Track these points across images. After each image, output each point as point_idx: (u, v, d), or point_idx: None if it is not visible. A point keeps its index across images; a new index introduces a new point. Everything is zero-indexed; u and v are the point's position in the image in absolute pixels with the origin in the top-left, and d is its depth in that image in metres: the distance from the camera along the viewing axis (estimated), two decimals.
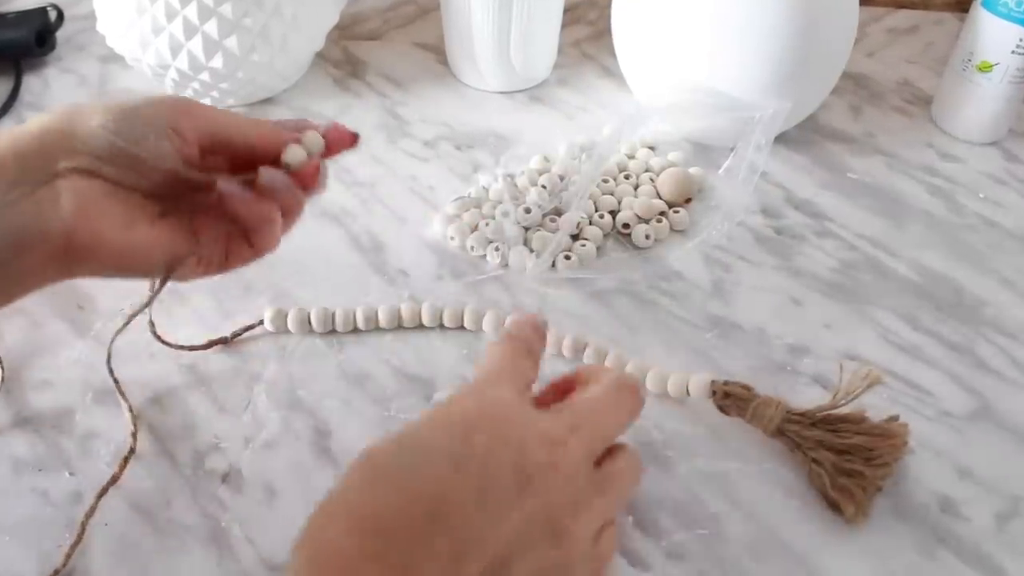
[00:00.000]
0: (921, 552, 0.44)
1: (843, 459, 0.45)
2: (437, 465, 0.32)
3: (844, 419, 0.46)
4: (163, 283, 0.43)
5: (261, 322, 0.53)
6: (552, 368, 0.52)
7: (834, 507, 0.45)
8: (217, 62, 0.66)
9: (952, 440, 0.49)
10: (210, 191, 0.42)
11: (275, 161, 0.43)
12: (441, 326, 0.54)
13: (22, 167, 0.38)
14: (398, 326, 0.54)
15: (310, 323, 0.53)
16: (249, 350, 0.53)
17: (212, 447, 0.48)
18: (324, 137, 0.45)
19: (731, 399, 0.48)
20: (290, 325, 0.53)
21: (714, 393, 0.48)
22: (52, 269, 0.39)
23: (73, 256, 0.39)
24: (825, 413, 0.46)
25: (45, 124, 0.39)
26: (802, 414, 0.47)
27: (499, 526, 0.31)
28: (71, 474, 0.46)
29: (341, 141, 0.46)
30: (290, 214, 0.44)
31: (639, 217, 0.61)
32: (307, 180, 0.44)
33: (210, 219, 0.43)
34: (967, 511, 0.46)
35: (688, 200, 0.63)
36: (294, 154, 0.43)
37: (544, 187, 0.62)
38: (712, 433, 0.49)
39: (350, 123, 0.70)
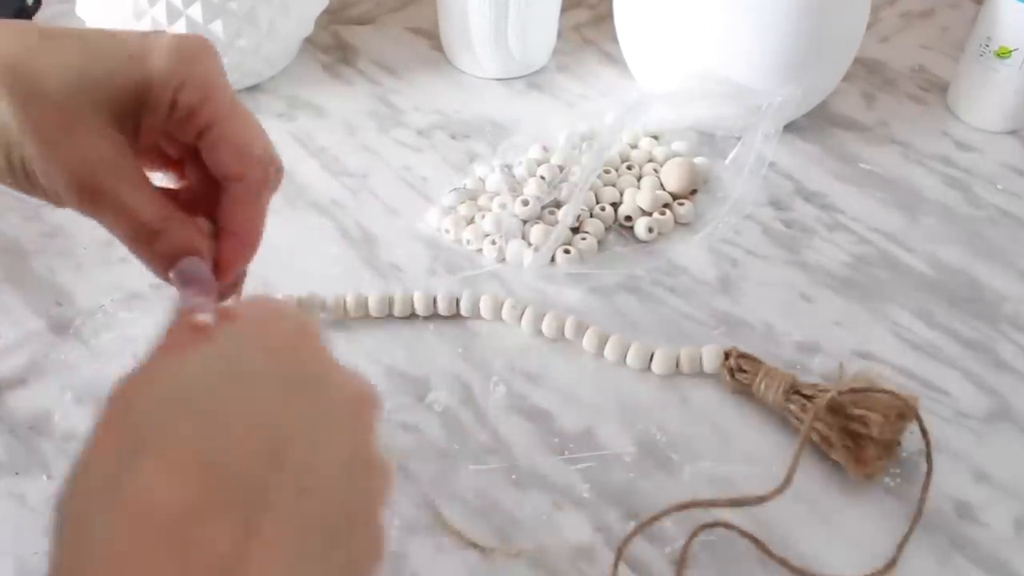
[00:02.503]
0: (937, 559, 0.44)
1: (849, 423, 0.46)
2: (267, 390, 0.28)
3: (852, 390, 0.47)
4: None
5: None
6: (549, 357, 0.52)
7: (846, 461, 0.46)
8: None
9: (969, 442, 0.49)
10: None
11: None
12: (436, 315, 0.54)
13: None
14: (388, 314, 0.54)
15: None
16: None
17: None
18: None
19: (745, 360, 0.50)
20: None
21: (727, 356, 0.50)
22: None
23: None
24: (833, 391, 0.47)
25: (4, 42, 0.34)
26: (812, 384, 0.48)
27: (334, 459, 0.28)
28: (49, 477, 0.46)
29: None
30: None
31: (642, 210, 0.61)
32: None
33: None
34: (985, 516, 0.46)
35: (693, 192, 0.63)
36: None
37: (543, 178, 0.62)
38: (717, 435, 0.49)
39: (341, 111, 0.71)
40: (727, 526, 0.44)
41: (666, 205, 0.62)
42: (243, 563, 0.24)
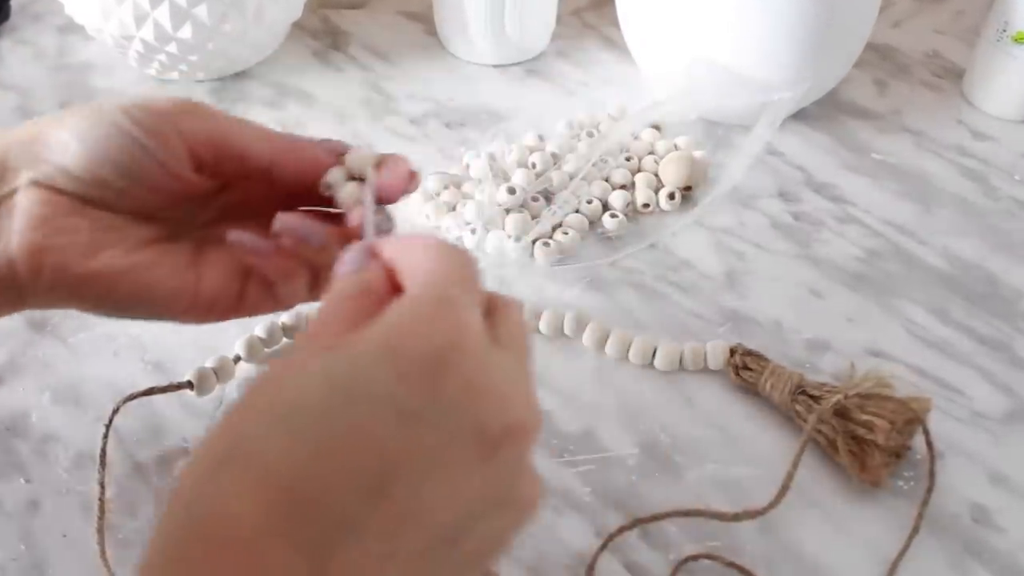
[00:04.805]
0: (952, 566, 0.44)
1: (855, 428, 0.46)
2: (384, 419, 0.26)
3: (859, 395, 0.47)
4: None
5: (238, 358, 0.51)
6: (548, 355, 0.52)
7: (852, 463, 0.46)
8: (185, 32, 0.66)
9: (985, 443, 0.49)
10: (223, 217, 0.39)
11: (307, 193, 0.38)
12: None
13: None
14: None
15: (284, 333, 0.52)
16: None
17: (181, 452, 0.47)
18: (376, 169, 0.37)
19: (751, 357, 0.50)
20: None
21: (732, 353, 0.50)
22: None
23: (20, 285, 0.35)
24: (841, 393, 0.47)
25: (16, 131, 0.36)
26: (820, 384, 0.48)
27: (450, 498, 0.27)
28: (26, 481, 0.46)
29: (395, 185, 0.37)
30: (322, 268, 0.38)
31: (645, 203, 0.61)
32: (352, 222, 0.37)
33: (222, 253, 0.39)
34: (1002, 521, 0.45)
35: (689, 188, 0.62)
36: (337, 179, 0.37)
37: (534, 165, 0.62)
38: (723, 436, 0.49)
39: (332, 99, 0.71)
40: (711, 557, 0.44)
41: (645, 204, 0.62)
42: None
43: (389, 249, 0.32)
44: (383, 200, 0.37)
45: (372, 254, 0.32)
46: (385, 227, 0.37)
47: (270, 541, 0.24)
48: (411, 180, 0.38)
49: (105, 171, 0.35)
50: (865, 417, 0.46)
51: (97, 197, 0.36)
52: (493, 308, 0.31)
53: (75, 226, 0.36)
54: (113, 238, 0.37)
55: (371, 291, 0.30)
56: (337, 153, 0.38)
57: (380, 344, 0.27)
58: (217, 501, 0.25)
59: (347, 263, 0.32)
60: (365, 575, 0.25)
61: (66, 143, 0.35)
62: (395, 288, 0.31)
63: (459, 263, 0.31)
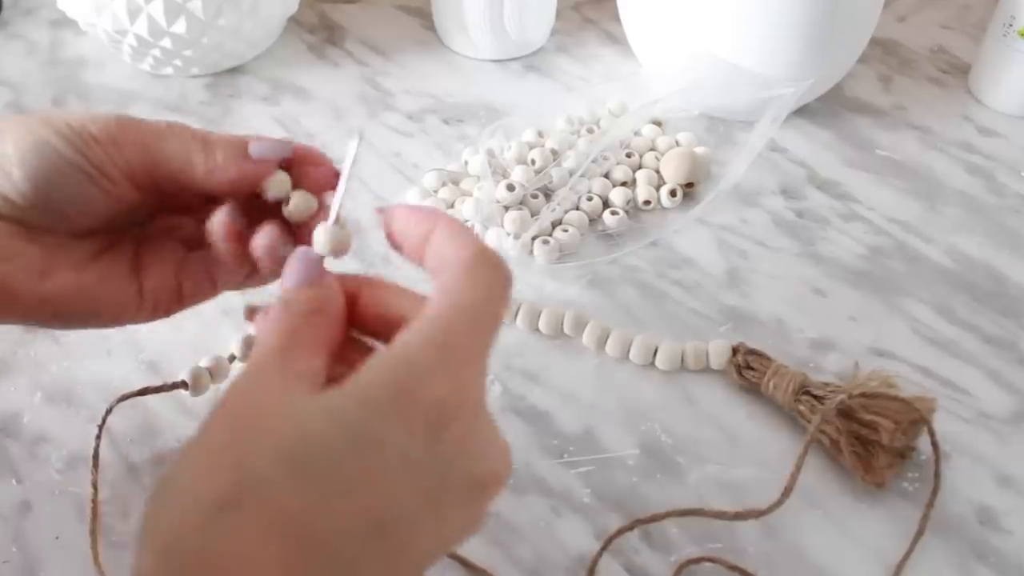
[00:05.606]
0: (958, 568, 0.44)
1: (860, 428, 0.46)
2: (391, 466, 0.27)
3: (863, 395, 0.47)
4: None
5: (233, 357, 0.51)
6: (548, 355, 0.52)
7: (853, 468, 0.46)
8: (180, 27, 0.66)
9: (992, 444, 0.49)
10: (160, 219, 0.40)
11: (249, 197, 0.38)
12: None
13: None
14: None
15: None
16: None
17: (175, 452, 0.47)
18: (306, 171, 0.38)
19: (754, 356, 0.50)
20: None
21: (734, 352, 0.50)
22: None
23: None
24: (845, 393, 0.47)
25: None
26: (824, 384, 0.48)
27: (435, 538, 0.30)
28: (18, 482, 0.46)
29: (323, 181, 0.39)
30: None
31: (647, 200, 0.61)
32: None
33: (158, 252, 0.40)
34: (1009, 523, 0.45)
35: (690, 184, 0.62)
36: (280, 191, 0.38)
37: (533, 161, 0.62)
38: (725, 436, 0.49)
39: (328, 95, 0.71)
40: (712, 560, 0.43)
41: (646, 202, 0.61)
42: None
43: (412, 230, 0.34)
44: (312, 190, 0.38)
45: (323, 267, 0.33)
46: (340, 249, 0.35)
47: None
48: (333, 175, 0.39)
49: (50, 201, 0.36)
50: (869, 417, 0.46)
51: (42, 223, 0.37)
52: None
53: (23, 251, 0.36)
54: (60, 258, 0.37)
55: (324, 312, 0.32)
56: (273, 160, 0.38)
57: (389, 388, 0.28)
58: (228, 541, 0.25)
59: (295, 274, 0.33)
60: None
61: (8, 171, 0.35)
62: (350, 299, 0.34)
63: (493, 296, 0.31)
